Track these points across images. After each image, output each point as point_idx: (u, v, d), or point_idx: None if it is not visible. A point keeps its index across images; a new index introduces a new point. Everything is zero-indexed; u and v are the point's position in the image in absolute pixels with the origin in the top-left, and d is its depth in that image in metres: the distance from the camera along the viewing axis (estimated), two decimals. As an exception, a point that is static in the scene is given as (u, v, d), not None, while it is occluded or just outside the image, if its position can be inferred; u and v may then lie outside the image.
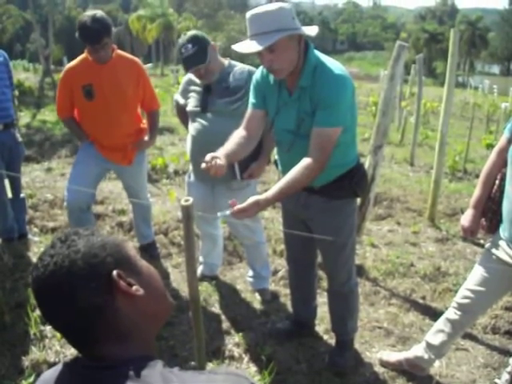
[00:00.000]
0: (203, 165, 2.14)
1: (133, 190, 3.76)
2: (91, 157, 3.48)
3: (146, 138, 3.60)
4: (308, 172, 2.10)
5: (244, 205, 2.03)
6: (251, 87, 2.41)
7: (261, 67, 2.35)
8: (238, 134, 2.37)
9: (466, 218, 2.45)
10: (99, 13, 3.15)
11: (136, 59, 3.49)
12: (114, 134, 3.40)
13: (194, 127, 3.01)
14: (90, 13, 3.15)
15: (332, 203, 2.37)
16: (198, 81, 2.99)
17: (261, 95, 2.36)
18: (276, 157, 2.53)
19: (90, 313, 0.94)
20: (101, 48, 3.15)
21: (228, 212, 2.04)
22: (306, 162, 2.10)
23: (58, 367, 1.01)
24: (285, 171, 2.33)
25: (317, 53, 2.19)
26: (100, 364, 0.95)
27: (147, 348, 1.02)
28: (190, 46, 2.77)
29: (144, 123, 3.64)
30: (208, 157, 2.14)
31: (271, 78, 2.28)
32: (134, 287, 0.97)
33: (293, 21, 2.04)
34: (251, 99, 2.40)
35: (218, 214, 2.12)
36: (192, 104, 3.01)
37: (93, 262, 0.95)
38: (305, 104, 2.17)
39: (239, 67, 2.97)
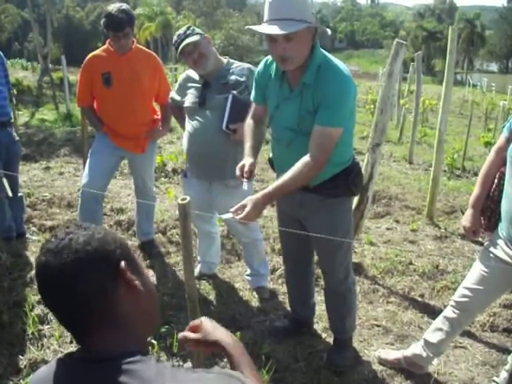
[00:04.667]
0: (245, 186, 2.33)
1: (141, 180, 3.88)
2: (105, 146, 3.63)
3: (159, 128, 3.77)
4: (307, 170, 2.10)
5: (241, 203, 2.04)
6: (253, 81, 2.47)
7: (264, 60, 2.38)
8: (249, 126, 2.50)
9: (466, 219, 2.44)
10: (125, 5, 3.39)
11: (154, 54, 3.71)
12: (128, 121, 3.55)
13: (191, 124, 3.01)
14: (116, 4, 3.37)
15: (327, 201, 2.35)
16: (196, 77, 3.01)
17: (261, 89, 2.39)
18: (270, 155, 2.52)
19: (93, 296, 0.96)
20: (123, 36, 3.34)
21: (230, 215, 2.05)
22: (305, 160, 2.10)
23: (52, 364, 1.02)
24: (282, 167, 2.32)
25: (322, 51, 2.17)
26: (95, 356, 0.96)
27: (141, 344, 1.03)
28: (182, 32, 2.92)
29: (158, 115, 3.79)
30: (238, 171, 2.34)
31: (273, 71, 2.28)
32: (137, 282, 1.02)
33: (312, 16, 2.04)
34: (252, 92, 2.47)
35: (222, 216, 2.14)
36: (190, 100, 3.01)
37: (106, 248, 1.00)
38: (307, 101, 2.15)
39: (238, 64, 3.01)
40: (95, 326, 0.98)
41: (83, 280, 0.95)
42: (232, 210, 2.06)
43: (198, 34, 2.90)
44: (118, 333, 0.99)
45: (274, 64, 2.26)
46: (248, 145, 2.44)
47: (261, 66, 2.40)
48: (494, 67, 79.73)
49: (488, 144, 8.98)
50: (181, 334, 1.19)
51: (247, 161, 2.35)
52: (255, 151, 2.45)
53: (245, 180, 2.32)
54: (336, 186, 2.31)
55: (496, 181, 2.35)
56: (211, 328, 1.18)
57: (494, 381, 2.58)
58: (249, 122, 2.52)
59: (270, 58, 2.32)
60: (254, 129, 2.48)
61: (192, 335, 1.19)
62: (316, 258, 2.80)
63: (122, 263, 1.00)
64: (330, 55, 2.19)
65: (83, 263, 0.96)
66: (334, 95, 2.08)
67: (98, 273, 0.97)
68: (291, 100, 2.21)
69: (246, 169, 2.30)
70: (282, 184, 2.09)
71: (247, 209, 2.02)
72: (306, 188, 2.33)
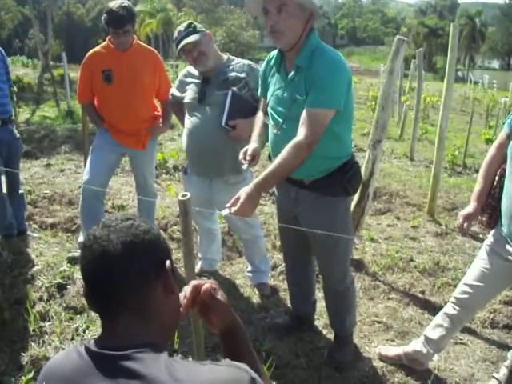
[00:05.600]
0: (244, 166, 2.36)
1: (142, 177, 3.88)
2: (106, 143, 3.64)
3: (160, 124, 3.77)
4: (295, 151, 2.08)
5: (235, 196, 2.04)
6: (258, 78, 2.54)
7: (267, 57, 2.44)
8: (259, 117, 2.58)
9: (465, 209, 2.42)
10: (126, 1, 3.37)
11: (154, 50, 3.72)
12: (129, 118, 3.55)
13: (190, 121, 3.01)
14: (117, 0, 3.34)
15: (323, 199, 2.33)
16: (196, 73, 3.01)
17: (264, 84, 2.46)
18: (269, 148, 2.52)
19: (134, 281, 1.01)
20: (123, 33, 3.35)
21: (228, 211, 2.05)
22: (293, 142, 2.09)
23: (70, 351, 1.05)
24: (273, 153, 2.36)
25: (319, 40, 2.21)
26: (114, 343, 0.99)
27: (160, 341, 1.06)
28: (182, 29, 2.91)
29: (158, 111, 3.80)
30: (241, 155, 2.39)
31: (273, 60, 2.35)
32: (174, 286, 1.07)
33: None
34: (259, 89, 2.56)
35: (222, 212, 2.14)
36: (189, 96, 3.01)
37: (159, 244, 1.07)
38: (299, 85, 2.17)
39: (238, 61, 3.01)
40: (125, 309, 1.01)
41: (133, 262, 1.00)
42: (228, 204, 2.06)
43: (198, 31, 2.88)
44: (142, 324, 1.02)
45: (276, 55, 2.33)
46: (255, 133, 2.52)
47: (264, 62, 2.47)
48: (495, 64, 79.58)
49: (489, 141, 9.00)
50: (208, 287, 1.22)
51: (251, 146, 2.42)
52: (261, 138, 2.50)
53: (245, 162, 2.36)
54: (331, 184, 2.29)
55: (497, 178, 2.35)
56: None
57: (493, 377, 2.58)
58: (259, 114, 2.60)
59: (271, 54, 2.40)
60: (263, 119, 2.53)
61: (219, 296, 1.23)
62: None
63: (168, 262, 1.06)
64: (325, 44, 2.23)
65: (138, 247, 1.01)
66: (323, 76, 2.09)
67: (146, 262, 1.02)
68: (286, 84, 2.24)
69: (249, 152, 2.37)
70: (272, 169, 2.09)
71: (241, 200, 2.01)
72: (301, 184, 2.34)
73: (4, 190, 3.86)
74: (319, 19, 2.20)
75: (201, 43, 2.87)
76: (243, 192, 2.04)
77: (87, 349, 1.01)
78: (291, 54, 2.20)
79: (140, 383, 0.93)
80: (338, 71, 2.12)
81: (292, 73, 2.20)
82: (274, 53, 2.37)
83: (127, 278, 1.00)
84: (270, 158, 2.52)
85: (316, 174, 2.29)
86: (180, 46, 2.88)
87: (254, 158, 2.39)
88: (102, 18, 3.36)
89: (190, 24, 2.93)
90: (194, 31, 2.88)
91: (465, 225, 2.40)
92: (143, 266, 1.01)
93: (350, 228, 2.51)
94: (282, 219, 2.64)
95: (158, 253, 1.06)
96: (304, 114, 2.11)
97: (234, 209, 2.02)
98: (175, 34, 2.94)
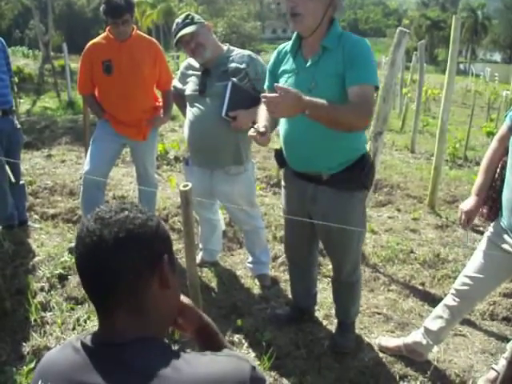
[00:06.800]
0: (251, 131, 2.20)
1: (143, 167, 3.87)
2: (107, 134, 3.63)
3: (161, 115, 3.75)
4: (352, 113, 2.05)
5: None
6: (267, 72, 2.50)
7: (277, 49, 2.44)
8: (263, 109, 2.45)
9: (466, 203, 2.41)
10: None
11: (154, 40, 3.69)
12: (129, 108, 3.54)
13: (191, 112, 3.01)
14: None
15: (340, 194, 2.32)
16: (197, 65, 3.01)
17: (274, 76, 2.42)
18: (282, 145, 2.46)
19: (129, 277, 0.97)
20: (121, 23, 3.33)
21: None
22: (354, 106, 2.07)
23: (65, 346, 1.03)
24: (286, 144, 2.37)
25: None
26: (112, 339, 0.97)
27: (158, 334, 1.05)
28: (180, 20, 2.90)
29: (159, 102, 3.77)
30: (254, 130, 2.20)
31: (288, 47, 2.34)
32: (170, 278, 1.03)
33: None
34: (266, 82, 2.52)
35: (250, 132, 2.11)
36: (190, 88, 3.01)
37: (156, 237, 1.01)
38: (327, 65, 2.16)
39: (238, 51, 3.00)
40: (120, 305, 0.99)
41: (125, 259, 0.96)
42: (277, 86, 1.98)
43: (196, 23, 2.87)
44: (139, 319, 1.00)
45: (293, 41, 2.32)
46: (261, 118, 2.39)
47: (273, 54, 2.45)
48: (497, 57, 79.24)
49: (490, 134, 8.94)
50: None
51: (261, 123, 2.28)
52: (268, 121, 2.34)
53: (255, 128, 2.20)
54: (350, 178, 2.29)
55: (498, 170, 2.35)
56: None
57: (492, 368, 2.59)
58: (262, 105, 2.50)
59: (282, 45, 2.42)
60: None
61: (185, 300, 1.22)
62: (320, 245, 2.79)
63: (165, 257, 1.02)
64: None
65: (132, 244, 0.97)
66: (360, 54, 2.13)
67: (141, 257, 0.98)
68: (305, 69, 2.23)
69: (261, 126, 2.22)
70: (329, 105, 2.01)
71: (289, 93, 1.93)
72: (319, 180, 2.33)
73: (12, 179, 3.86)
74: (340, 9, 2.22)
75: (198, 34, 2.86)
76: (297, 91, 1.96)
77: (83, 344, 0.99)
78: (311, 40, 2.21)
79: (140, 377, 0.91)
80: (371, 53, 2.17)
81: (315, 55, 2.20)
82: (286, 43, 2.37)
83: (120, 275, 0.96)
84: (277, 154, 2.51)
85: (335, 167, 2.28)
86: (177, 38, 2.87)
87: (264, 133, 2.20)
88: (101, 8, 3.35)
89: (188, 15, 2.92)
90: (192, 22, 2.87)
91: (467, 220, 2.40)
92: (137, 263, 0.97)
93: (365, 218, 2.53)
94: (292, 219, 2.55)
95: (155, 247, 1.01)
96: (354, 93, 2.09)
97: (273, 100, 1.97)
98: (173, 26, 2.94)
